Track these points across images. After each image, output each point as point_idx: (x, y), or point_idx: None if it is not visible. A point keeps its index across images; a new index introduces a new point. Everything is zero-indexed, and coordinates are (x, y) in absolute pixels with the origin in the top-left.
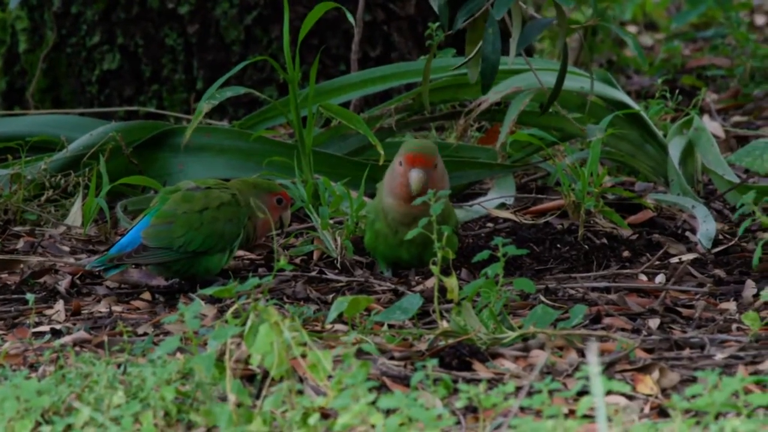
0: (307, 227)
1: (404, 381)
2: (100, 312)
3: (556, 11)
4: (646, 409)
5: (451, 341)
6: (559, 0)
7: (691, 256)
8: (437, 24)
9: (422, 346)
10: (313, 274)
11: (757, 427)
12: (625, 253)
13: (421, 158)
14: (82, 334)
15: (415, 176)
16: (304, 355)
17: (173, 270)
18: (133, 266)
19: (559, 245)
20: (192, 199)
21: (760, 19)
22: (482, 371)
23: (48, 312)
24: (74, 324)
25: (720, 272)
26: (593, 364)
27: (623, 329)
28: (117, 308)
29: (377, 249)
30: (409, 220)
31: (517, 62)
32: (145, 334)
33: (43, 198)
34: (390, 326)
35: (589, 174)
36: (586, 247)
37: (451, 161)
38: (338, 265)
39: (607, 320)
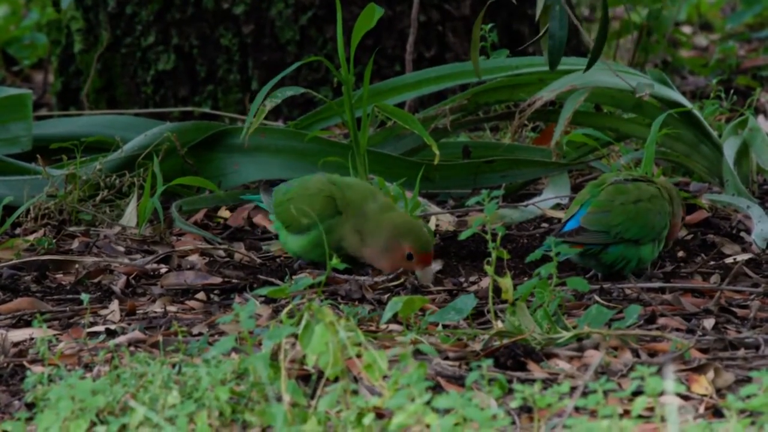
0: None
1: (459, 381)
2: (155, 312)
3: None
4: (701, 409)
5: (505, 341)
6: None
7: (745, 257)
8: (490, 25)
9: (477, 347)
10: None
11: None
12: (680, 254)
13: (430, 257)
14: (136, 334)
15: (429, 276)
16: (359, 355)
17: (608, 263)
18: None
19: None
20: (626, 191)
21: None
22: (537, 371)
23: (103, 312)
24: (129, 324)
25: None
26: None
27: (678, 329)
28: (172, 308)
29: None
30: None
31: (571, 62)
32: (200, 334)
33: (98, 198)
34: (444, 326)
35: (644, 174)
36: None
37: (505, 160)
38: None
39: (661, 320)
